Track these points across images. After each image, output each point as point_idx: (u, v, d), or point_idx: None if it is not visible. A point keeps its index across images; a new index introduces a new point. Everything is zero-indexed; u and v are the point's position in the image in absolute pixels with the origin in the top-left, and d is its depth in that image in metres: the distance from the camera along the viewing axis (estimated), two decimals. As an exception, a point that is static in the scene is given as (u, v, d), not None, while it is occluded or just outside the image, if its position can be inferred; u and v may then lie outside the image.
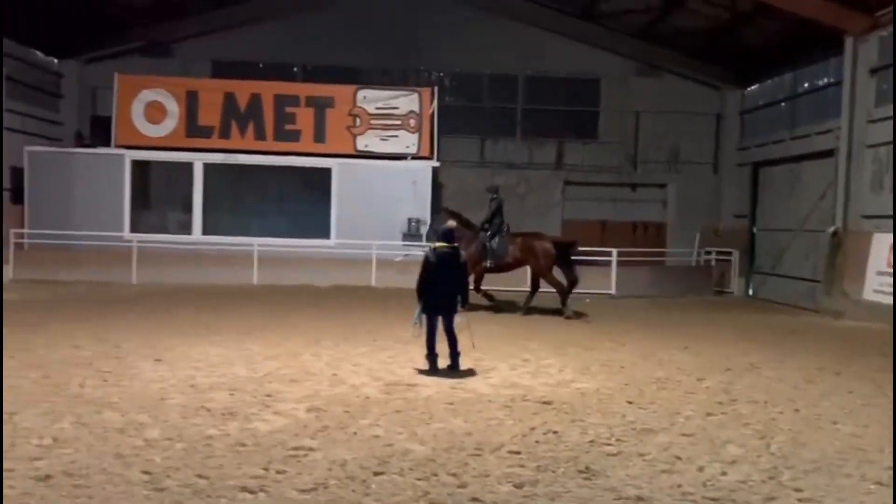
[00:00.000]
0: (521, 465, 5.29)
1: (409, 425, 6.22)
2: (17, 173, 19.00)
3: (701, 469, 5.34)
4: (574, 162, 23.14)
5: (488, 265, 14.27)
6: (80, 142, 21.48)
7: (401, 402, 6.99)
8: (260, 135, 19.93)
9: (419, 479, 4.93)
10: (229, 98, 19.90)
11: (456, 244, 8.81)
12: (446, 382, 7.89)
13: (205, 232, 19.30)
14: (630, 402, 7.28)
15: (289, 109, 20.09)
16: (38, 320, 11.32)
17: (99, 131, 20.62)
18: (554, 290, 14.18)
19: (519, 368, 8.86)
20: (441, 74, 23.16)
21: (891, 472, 5.27)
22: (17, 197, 19.03)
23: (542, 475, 5.10)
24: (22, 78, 20.16)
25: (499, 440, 5.86)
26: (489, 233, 14.33)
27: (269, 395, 7.18)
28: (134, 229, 19.02)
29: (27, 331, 10.30)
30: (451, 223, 8.94)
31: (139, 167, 19.56)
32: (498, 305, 14.44)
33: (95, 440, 5.63)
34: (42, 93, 21.40)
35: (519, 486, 4.87)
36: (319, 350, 9.69)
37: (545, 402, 7.13)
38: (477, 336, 8.82)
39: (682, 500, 4.76)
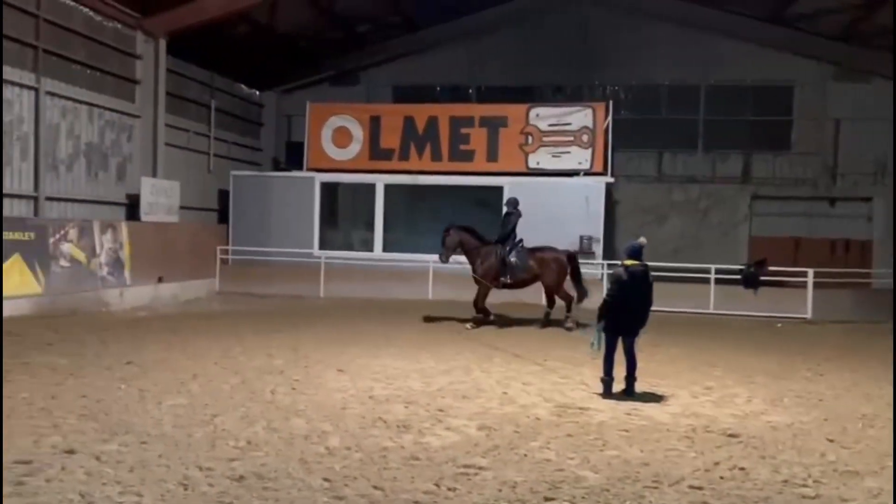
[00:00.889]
0: (704, 503, 4.92)
1: (581, 451, 6.03)
2: (223, 195, 21.07)
3: (920, 523, 4.67)
4: (763, 175, 21.63)
5: (507, 281, 13.86)
6: (276, 166, 23.48)
7: (572, 426, 6.81)
8: (436, 155, 20.58)
9: (592, 509, 4.75)
10: (408, 121, 20.76)
11: (646, 262, 8.36)
12: (621, 408, 7.58)
13: (384, 249, 20.21)
14: (831, 440, 6.56)
15: (463, 130, 20.58)
16: (238, 331, 12.39)
17: (293, 156, 22.40)
18: (552, 301, 14.09)
19: (701, 396, 8.31)
20: (616, 88, 22.65)
21: None
22: (223, 217, 21.10)
23: (727, 515, 4.72)
24: (229, 109, 22.41)
25: (679, 473, 5.51)
26: (508, 248, 13.88)
27: (441, 410, 7.30)
28: (322, 247, 20.33)
29: (229, 340, 11.31)
30: (642, 240, 8.42)
31: (327, 188, 20.91)
32: (485, 321, 13.87)
33: (283, 445, 6.01)
34: (246, 122, 23.65)
35: (701, 526, 4.54)
36: (490, 367, 9.73)
37: (731, 435, 6.62)
38: (656, 360, 8.41)
39: (897, 558, 4.18)
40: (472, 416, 7.09)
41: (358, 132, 20.91)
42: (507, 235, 14.04)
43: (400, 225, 20.83)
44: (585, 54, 21.83)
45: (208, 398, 7.57)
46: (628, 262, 8.16)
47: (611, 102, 20.26)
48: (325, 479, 5.18)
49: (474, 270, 14.04)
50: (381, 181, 20.31)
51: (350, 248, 20.73)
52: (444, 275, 18.63)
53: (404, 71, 23.44)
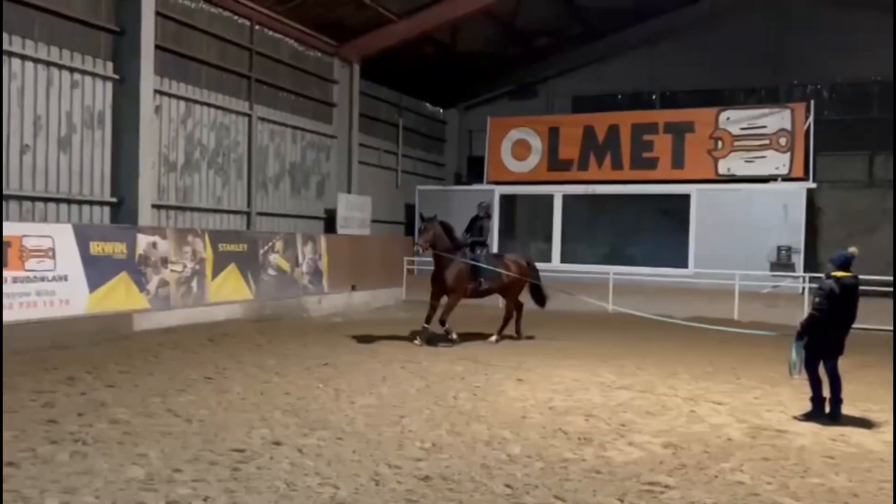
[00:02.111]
0: (927, 544, 4.38)
1: (779, 476, 5.61)
2: (410, 209, 22.10)
3: None
4: None
5: (483, 287, 12.37)
6: (458, 180, 24.25)
7: (769, 450, 6.35)
8: (617, 164, 20.21)
9: (791, 539, 4.41)
10: (588, 131, 20.59)
11: (857, 274, 7.60)
12: (825, 433, 6.94)
13: (563, 260, 20.11)
14: None
15: (646, 137, 20.03)
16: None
17: (474, 170, 23.03)
18: (511, 311, 13.12)
19: (922, 425, 7.38)
20: (818, 87, 20.84)
21: None
22: (409, 230, 22.13)
23: (957, 560, 4.16)
24: (415, 127, 23.53)
25: (895, 508, 4.96)
26: (480, 252, 12.45)
27: (623, 425, 7.12)
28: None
29: (413, 346, 11.82)
30: (853, 249, 7.57)
31: (506, 200, 21.23)
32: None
33: (466, 449, 6.18)
34: (430, 139, 24.68)
35: (923, 568, 4.05)
36: (676, 383, 9.33)
37: (961, 471, 5.82)
38: (867, 382, 7.61)
39: None
40: (657, 432, 6.85)
41: (537, 144, 21.07)
42: (483, 241, 12.64)
43: (579, 235, 20.64)
44: (780, 52, 20.35)
45: (396, 400, 7.97)
46: (839, 274, 7.44)
47: (812, 102, 18.71)
48: (507, 486, 5.26)
49: (444, 277, 12.05)
50: (559, 192, 20.27)
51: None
52: (625, 286, 18.16)
53: (584, 81, 23.26)
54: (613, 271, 18.50)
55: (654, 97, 22.85)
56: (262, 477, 5.37)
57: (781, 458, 6.08)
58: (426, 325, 11.95)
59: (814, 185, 18.25)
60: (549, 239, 20.56)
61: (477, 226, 12.62)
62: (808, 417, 7.37)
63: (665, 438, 6.63)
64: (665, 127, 19.98)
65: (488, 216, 13.03)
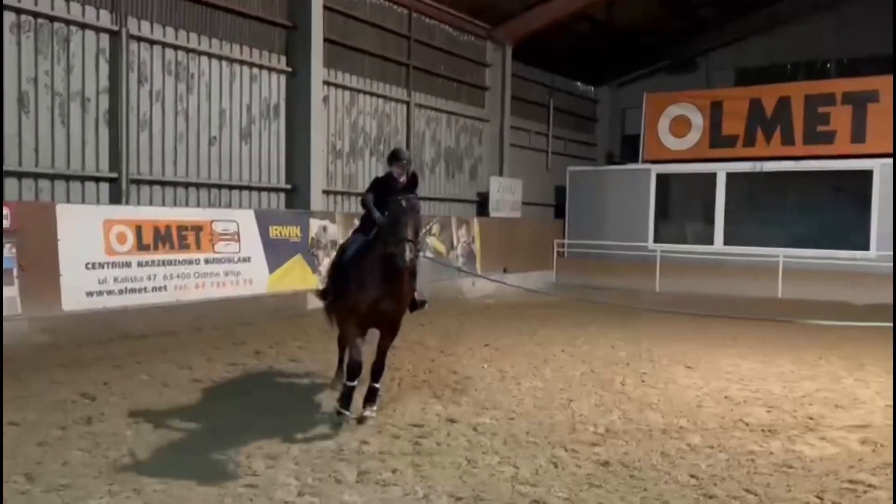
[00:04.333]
0: None
1: None
2: (560, 191, 21.84)
3: None
4: None
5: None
6: (610, 160, 23.63)
7: None
8: (788, 139, 18.83)
9: None
10: (755, 105, 19.31)
11: None
12: None
13: (726, 242, 19.08)
14: None
15: (821, 109, 18.48)
16: (580, 321, 12.76)
17: (627, 149, 22.33)
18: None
19: None
20: None
21: None
22: (559, 212, 21.89)
23: None
24: (566, 107, 23.16)
25: None
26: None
27: (810, 418, 6.68)
28: (657, 240, 19.93)
29: (572, 330, 11.72)
30: None
31: (662, 180, 20.41)
32: None
33: (643, 437, 6.06)
34: (581, 119, 24.21)
35: None
36: (865, 375, 8.62)
37: None
38: None
39: None
40: (851, 427, 6.36)
41: (698, 120, 20.05)
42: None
43: (746, 216, 19.44)
44: None
45: (562, 383, 7.95)
46: None
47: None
48: (692, 476, 5.11)
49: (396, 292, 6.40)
50: (722, 170, 19.20)
51: (685, 240, 19.97)
52: (795, 271, 16.97)
53: (748, 52, 21.83)
54: (783, 254, 17.34)
55: (829, 66, 21.01)
56: (442, 452, 5.55)
57: None
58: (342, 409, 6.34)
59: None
60: (709, 220, 19.54)
61: (398, 205, 6.03)
62: None
63: (862, 434, 6.16)
64: (843, 97, 18.30)
65: (414, 182, 6.39)
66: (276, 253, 12.38)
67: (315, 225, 13.22)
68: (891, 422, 6.60)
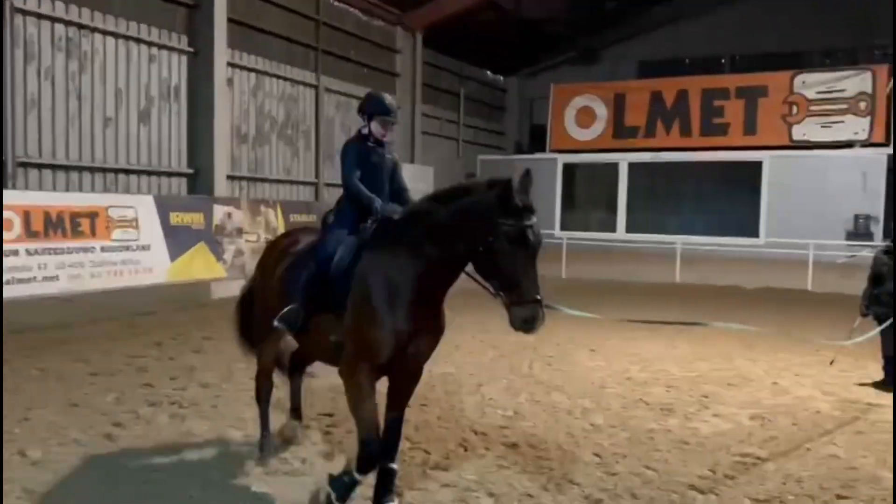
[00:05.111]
0: None
1: (875, 450, 5.48)
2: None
3: None
4: None
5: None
6: (519, 149, 24.04)
7: (862, 424, 6.20)
8: (685, 131, 19.72)
9: (897, 514, 4.32)
10: (655, 97, 20.11)
11: None
12: (919, 407, 6.73)
13: (628, 229, 19.82)
14: None
15: (717, 103, 19.46)
16: (491, 308, 12.92)
17: (535, 138, 22.78)
18: None
19: None
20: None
21: None
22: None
23: None
24: (476, 96, 23.34)
25: None
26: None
27: (705, 397, 7.04)
28: (564, 227, 20.46)
29: (481, 314, 11.86)
30: None
31: (568, 169, 20.96)
32: None
33: (549, 418, 6.22)
34: (491, 108, 24.47)
35: None
36: (755, 355, 9.16)
37: None
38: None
39: None
40: (742, 404, 6.75)
41: (602, 111, 20.69)
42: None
43: (647, 204, 20.25)
44: (862, 13, 19.35)
45: (472, 368, 8.06)
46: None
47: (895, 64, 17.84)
48: (596, 455, 5.29)
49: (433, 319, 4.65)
50: (624, 160, 19.91)
51: (590, 228, 20.59)
52: (692, 257, 17.83)
53: (650, 45, 22.63)
54: (681, 241, 18.17)
55: (723, 61, 22.10)
56: (353, 441, 5.50)
57: (876, 433, 5.94)
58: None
59: (892, 151, 17.46)
60: (612, 208, 20.25)
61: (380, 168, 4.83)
62: (880, 385, 7.27)
63: (751, 410, 6.54)
64: (737, 92, 19.34)
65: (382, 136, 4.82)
66: (178, 240, 11.92)
67: (219, 211, 12.81)
68: (777, 398, 7.05)
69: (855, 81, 18.18)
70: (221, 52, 13.27)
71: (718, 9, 21.45)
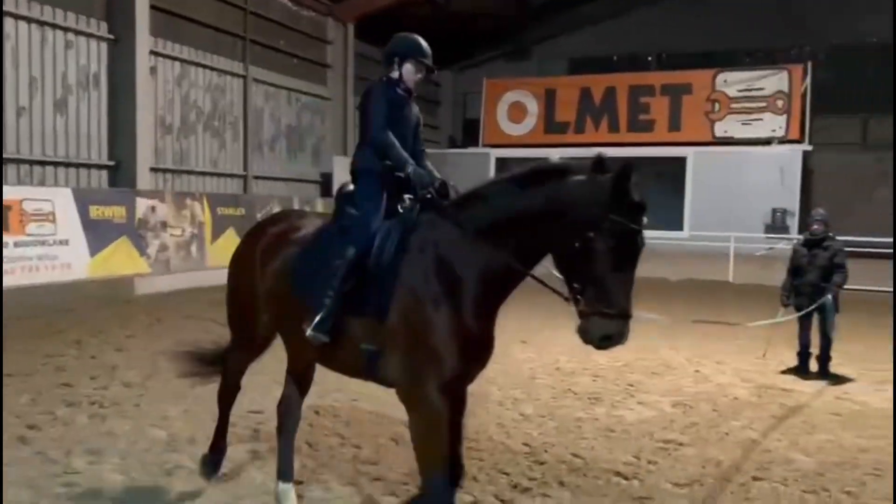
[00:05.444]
0: (938, 496, 4.53)
1: (788, 433, 5.75)
2: (405, 172, 21.97)
3: None
4: None
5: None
6: (452, 143, 24.11)
7: (776, 408, 6.49)
8: (614, 127, 20.15)
9: (807, 492, 4.54)
10: (585, 93, 20.47)
11: (829, 234, 7.89)
12: (830, 391, 7.11)
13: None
14: None
15: (643, 99, 19.95)
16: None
17: (469, 133, 22.88)
18: None
19: (922, 383, 7.57)
20: (815, 49, 20.78)
21: None
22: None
23: (967, 512, 4.31)
24: (409, 89, 23.25)
25: (903, 463, 5.10)
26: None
27: (631, 385, 7.24)
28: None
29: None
30: (820, 210, 8.16)
31: (502, 164, 21.14)
32: None
33: (481, 409, 6.27)
34: (424, 101, 24.42)
35: (938, 520, 4.19)
36: (678, 344, 9.46)
37: (964, 427, 5.99)
38: (867, 342, 7.77)
39: None
40: (665, 392, 6.97)
41: (533, 106, 20.94)
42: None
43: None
44: (780, 14, 20.19)
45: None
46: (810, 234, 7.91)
47: (809, 64, 18.67)
48: (525, 444, 5.37)
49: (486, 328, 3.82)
50: (556, 155, 20.18)
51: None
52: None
53: (580, 42, 23.02)
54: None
55: (650, 59, 22.68)
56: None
57: (789, 416, 6.23)
58: None
59: (810, 148, 18.32)
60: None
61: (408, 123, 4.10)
62: (801, 372, 7.66)
63: (674, 398, 6.76)
64: (662, 89, 19.90)
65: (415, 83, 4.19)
66: (98, 235, 11.46)
67: (142, 205, 12.38)
68: (699, 386, 7.31)
69: (773, 80, 18.96)
70: (144, 40, 12.80)
71: (645, 7, 21.99)
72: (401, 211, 3.68)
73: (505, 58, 24.10)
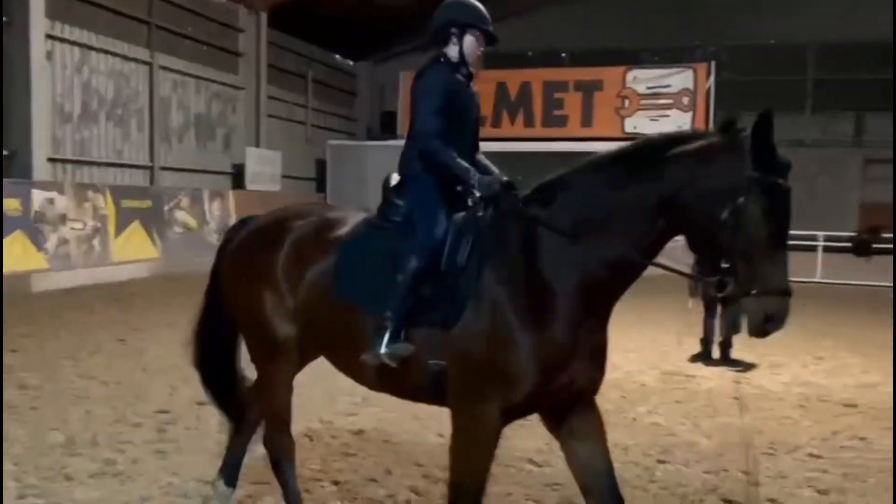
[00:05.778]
0: (824, 471, 4.83)
1: (691, 417, 6.01)
2: (321, 165, 21.68)
3: None
4: (879, 137, 20.32)
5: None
6: (370, 135, 23.92)
7: (680, 393, 6.78)
8: (529, 122, 20.46)
9: (707, 473, 4.75)
10: (501, 87, 20.68)
11: None
12: (729, 376, 7.47)
13: (477, 216, 20.34)
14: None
15: (557, 95, 20.34)
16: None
17: (387, 125, 22.75)
18: None
19: (811, 366, 8.07)
20: (719, 49, 21.74)
21: None
22: (321, 186, 21.73)
23: (850, 484, 4.62)
24: (326, 80, 22.92)
25: (795, 441, 5.42)
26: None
27: (545, 375, 7.39)
28: (415, 214, 20.61)
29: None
30: None
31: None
32: None
33: (396, 403, 6.21)
34: (341, 92, 24.14)
35: (824, 493, 4.46)
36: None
37: (848, 405, 6.42)
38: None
39: None
40: (577, 380, 7.15)
41: (450, 100, 20.98)
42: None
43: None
44: (686, 14, 21.00)
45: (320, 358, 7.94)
46: None
47: (713, 63, 19.50)
48: (440, 435, 5.38)
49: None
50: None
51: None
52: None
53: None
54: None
55: (563, 55, 23.14)
56: (191, 438, 5.27)
57: (692, 401, 6.51)
58: None
59: (713, 144, 19.17)
60: (462, 195, 20.69)
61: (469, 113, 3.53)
62: (704, 360, 8.01)
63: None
64: (575, 85, 20.35)
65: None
66: (-9, 229, 10.79)
67: (39, 197, 11.71)
68: (609, 374, 7.50)
69: (679, 78, 19.70)
70: (39, 23, 12.09)
71: (558, 4, 22.42)
72: (469, 207, 3.19)
73: (423, 50, 23.91)
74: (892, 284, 14.62)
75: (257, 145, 18.59)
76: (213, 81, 17.36)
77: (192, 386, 6.59)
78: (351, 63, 24.57)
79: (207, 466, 4.67)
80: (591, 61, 21.73)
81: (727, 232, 2.66)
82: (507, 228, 3.07)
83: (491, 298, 2.96)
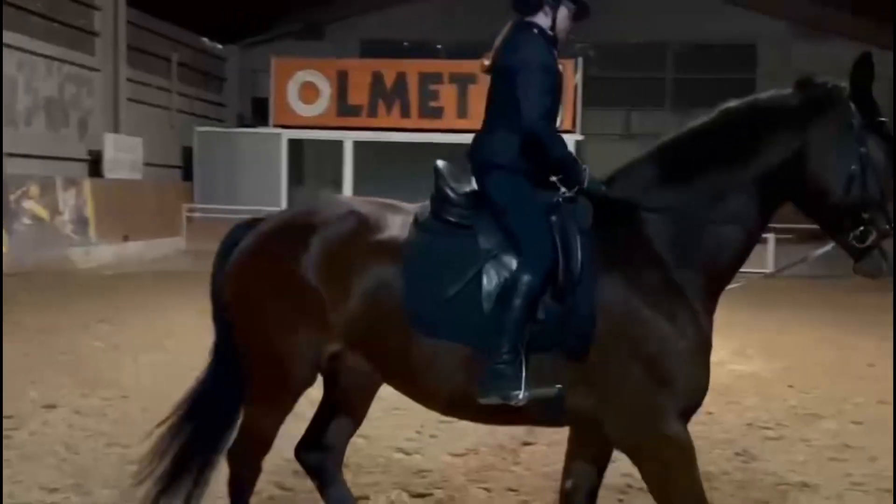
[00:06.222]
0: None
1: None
2: (187, 152, 20.71)
3: (873, 459, 4.98)
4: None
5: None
6: (241, 122, 23.10)
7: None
8: (405, 112, 20.45)
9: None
10: (377, 77, 20.53)
11: None
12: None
13: (353, 207, 20.17)
14: (791, 387, 6.89)
15: (433, 87, 20.44)
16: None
17: (258, 112, 22.06)
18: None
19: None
20: (585, 45, 22.65)
21: None
22: (188, 174, 20.78)
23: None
24: (192, 63, 21.88)
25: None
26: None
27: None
28: (291, 205, 20.15)
29: (205, 300, 11.28)
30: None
31: (294, 145, 20.65)
32: None
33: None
34: (209, 77, 23.13)
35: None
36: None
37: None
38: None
39: (852, 490, 4.47)
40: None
41: (325, 88, 20.62)
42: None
43: (372, 183, 20.70)
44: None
45: (188, 355, 7.58)
46: None
47: (580, 59, 20.30)
48: (363, 437, 5.30)
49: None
50: (349, 138, 20.14)
51: (318, 206, 20.57)
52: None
53: (372, 25, 23.10)
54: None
55: (439, 47, 23.32)
56: (36, 443, 4.92)
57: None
58: None
59: (581, 138, 19.95)
60: (339, 186, 20.40)
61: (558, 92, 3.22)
62: None
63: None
64: (450, 77, 20.52)
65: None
66: None
67: None
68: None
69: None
70: None
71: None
72: (558, 203, 2.84)
73: (297, 36, 23.49)
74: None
75: (116, 131, 17.48)
76: (66, 62, 16.13)
77: (39, 387, 6.16)
78: (220, 47, 23.59)
79: (53, 473, 4.39)
80: (466, 54, 22.03)
81: (857, 183, 2.62)
82: (612, 224, 2.83)
83: (629, 305, 2.69)
